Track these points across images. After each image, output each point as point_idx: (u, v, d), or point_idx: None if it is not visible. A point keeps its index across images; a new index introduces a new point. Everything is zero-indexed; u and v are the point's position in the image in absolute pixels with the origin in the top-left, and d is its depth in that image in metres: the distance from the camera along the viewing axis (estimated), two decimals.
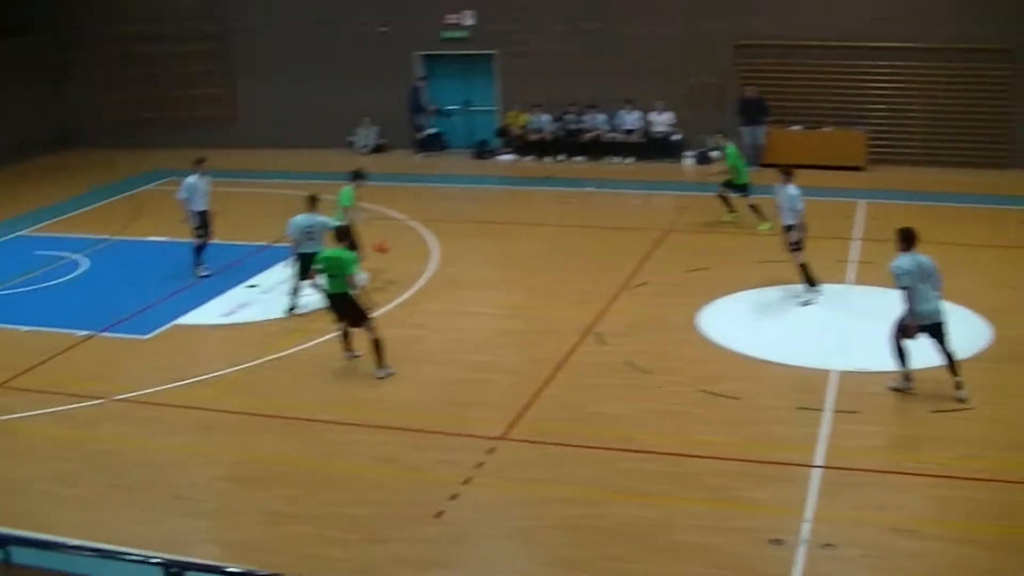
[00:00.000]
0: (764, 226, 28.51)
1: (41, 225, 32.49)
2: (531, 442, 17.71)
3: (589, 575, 14.07)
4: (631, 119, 37.87)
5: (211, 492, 16.75)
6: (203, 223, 26.77)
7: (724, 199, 29.86)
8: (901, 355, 18.85)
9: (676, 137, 37.60)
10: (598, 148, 38.13)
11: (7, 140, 41.93)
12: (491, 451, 17.38)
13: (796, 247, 23.75)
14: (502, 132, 39.94)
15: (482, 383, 20.11)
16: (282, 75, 41.78)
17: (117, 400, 19.89)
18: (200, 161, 27.21)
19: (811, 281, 23.63)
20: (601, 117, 38.10)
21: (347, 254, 20.36)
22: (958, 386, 18.54)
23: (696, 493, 15.97)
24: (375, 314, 20.88)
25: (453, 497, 16.04)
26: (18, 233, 31.69)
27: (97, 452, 18.07)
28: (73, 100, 44.34)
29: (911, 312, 18.32)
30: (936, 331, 18.50)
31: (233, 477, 17.16)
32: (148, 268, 27.30)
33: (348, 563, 14.44)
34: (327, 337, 22.14)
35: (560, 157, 38.43)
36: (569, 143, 38.48)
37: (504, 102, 40.05)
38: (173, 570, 7.98)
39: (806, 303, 23.41)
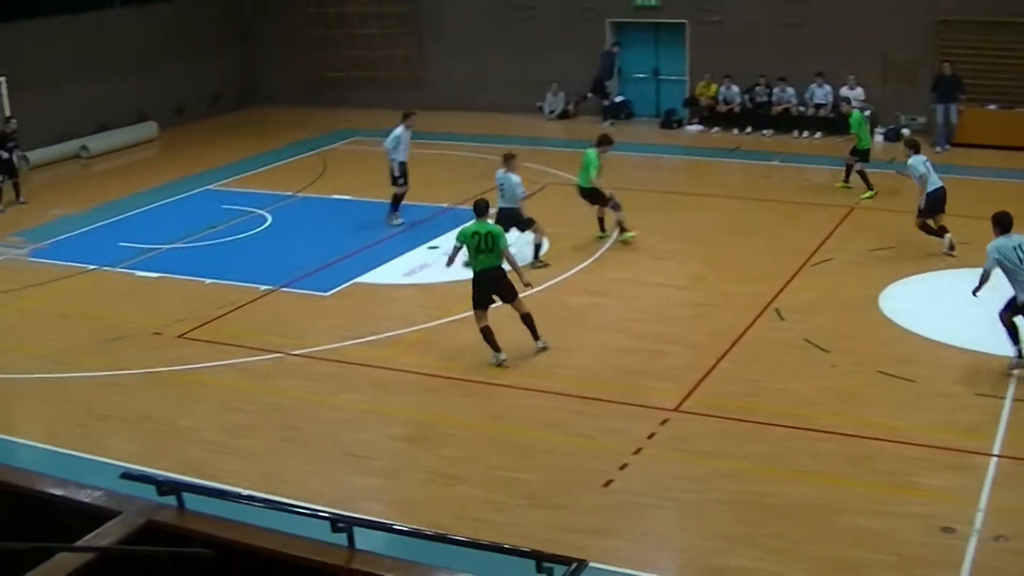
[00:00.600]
0: (868, 195, 29.25)
1: (228, 180, 33.09)
2: (704, 415, 17.59)
3: (753, 552, 13.93)
4: (821, 93, 37.29)
5: (382, 450, 16.91)
6: (403, 173, 27.53)
7: (850, 168, 29.83)
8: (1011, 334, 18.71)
9: (867, 113, 36.92)
10: (786, 122, 37.64)
11: (198, 96, 42.76)
12: (664, 422, 17.29)
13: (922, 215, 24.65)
14: (690, 102, 39.63)
15: (658, 354, 20.01)
16: (471, 39, 41.91)
17: (294, 355, 20.17)
18: (408, 115, 27.99)
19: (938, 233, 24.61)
20: (790, 90, 37.57)
21: (498, 228, 20.08)
22: None
23: (868, 476, 15.71)
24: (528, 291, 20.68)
25: (623, 467, 15.99)
26: (206, 187, 32.29)
27: (271, 405, 18.36)
28: (263, 58, 45.00)
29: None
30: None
31: (405, 436, 17.31)
32: (331, 226, 27.60)
33: (513, 528, 14.44)
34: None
35: (747, 130, 38.04)
36: (757, 116, 38.03)
37: (693, 72, 39.68)
38: (341, 525, 8.01)
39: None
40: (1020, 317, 18.58)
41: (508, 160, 24.72)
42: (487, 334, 19.54)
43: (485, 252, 19.55)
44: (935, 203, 24.72)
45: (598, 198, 25.78)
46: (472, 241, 19.63)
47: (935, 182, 24.86)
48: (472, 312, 19.71)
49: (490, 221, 20.21)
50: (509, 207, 24.47)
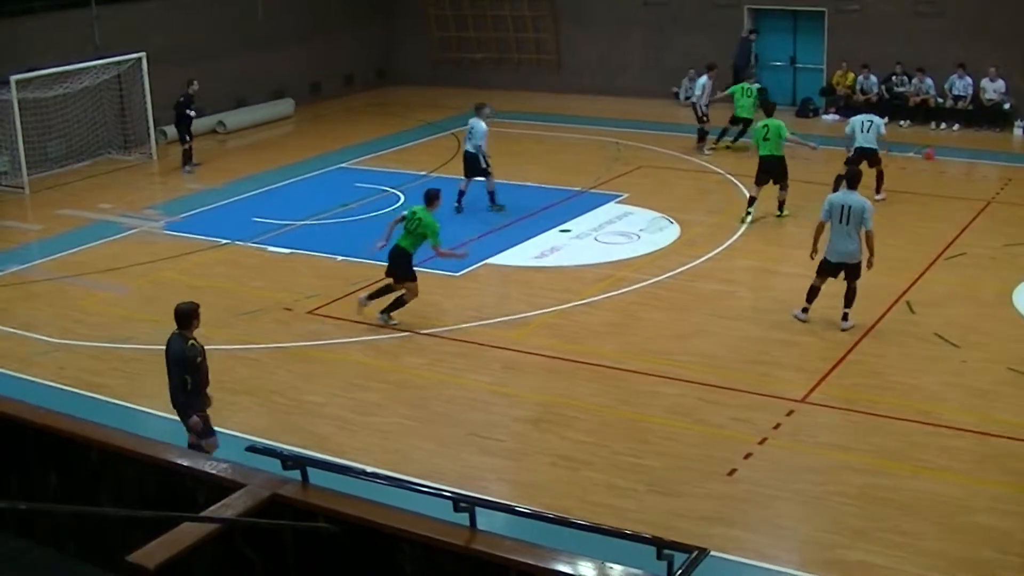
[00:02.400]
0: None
1: (362, 159, 33.35)
2: (831, 407, 17.51)
3: (874, 546, 13.86)
4: (961, 84, 36.77)
5: (507, 432, 17.00)
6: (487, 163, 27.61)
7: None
8: None
9: (1007, 105, 36.38)
10: (924, 113, 37.17)
11: (334, 74, 43.12)
12: (790, 413, 17.24)
13: None
14: (827, 91, 39.27)
15: (787, 344, 19.93)
16: (606, 23, 41.80)
17: (423, 334, 20.35)
18: (480, 106, 27.94)
19: None
20: (928, 81, 37.06)
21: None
22: None
23: (996, 475, 15.56)
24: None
25: (747, 456, 15.98)
26: (340, 165, 32.59)
27: (398, 383, 18.54)
28: (398, 38, 45.26)
29: None
30: None
31: (530, 418, 17.37)
32: (464, 206, 27.65)
33: (635, 513, 14.50)
34: (635, 287, 22.26)
35: (884, 120, 37.57)
36: (895, 106, 37.57)
37: (830, 61, 39.30)
38: (463, 505, 8.08)
39: None
40: None
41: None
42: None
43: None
44: None
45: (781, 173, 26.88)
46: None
47: None
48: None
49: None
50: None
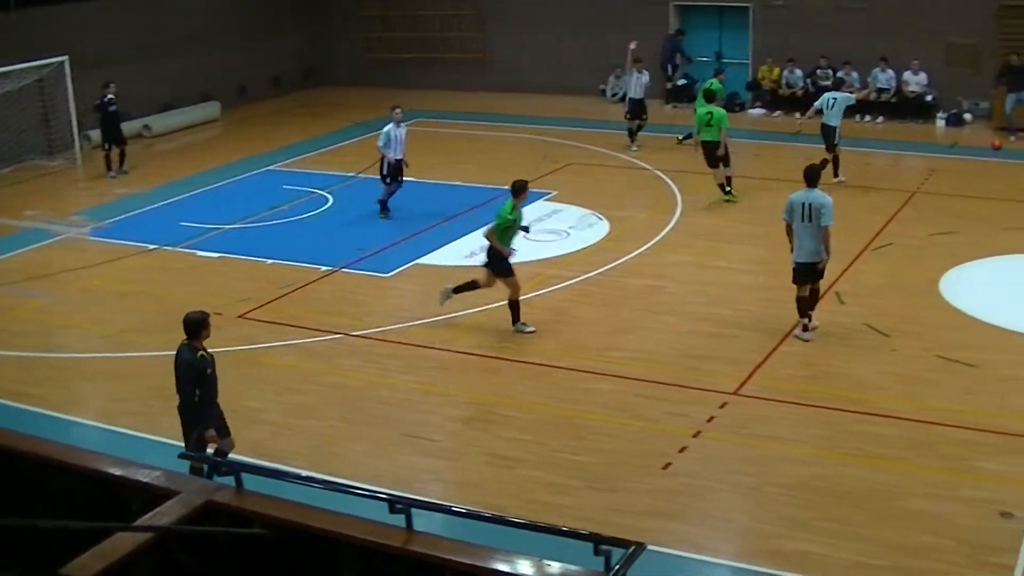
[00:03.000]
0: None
1: (290, 160, 33.20)
2: (764, 399, 17.62)
3: (811, 535, 13.94)
4: (884, 78, 37.04)
5: (442, 432, 17.01)
6: (392, 172, 27.06)
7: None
8: None
9: (930, 98, 36.71)
10: (849, 106, 37.38)
11: (261, 77, 42.90)
12: (723, 405, 17.31)
13: None
14: (753, 86, 39.48)
15: (719, 337, 20.01)
16: (533, 21, 41.84)
17: (355, 336, 20.29)
18: (395, 108, 27.36)
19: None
20: (854, 74, 37.30)
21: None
22: None
23: (928, 460, 15.72)
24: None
25: (682, 450, 16.05)
26: (269, 167, 32.42)
27: (332, 386, 18.48)
28: (325, 39, 45.05)
29: None
30: None
31: (465, 418, 17.39)
32: (392, 207, 27.58)
33: (573, 510, 14.52)
34: (566, 284, 22.30)
35: (809, 113, 37.82)
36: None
37: (756, 56, 39.53)
38: (399, 506, 8.05)
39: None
40: None
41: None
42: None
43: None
44: None
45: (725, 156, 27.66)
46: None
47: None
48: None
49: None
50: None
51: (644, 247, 24.48)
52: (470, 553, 7.58)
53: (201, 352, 14.37)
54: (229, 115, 39.86)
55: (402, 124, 27.06)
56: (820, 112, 29.27)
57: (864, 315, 20.59)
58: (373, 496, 8.72)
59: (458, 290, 20.47)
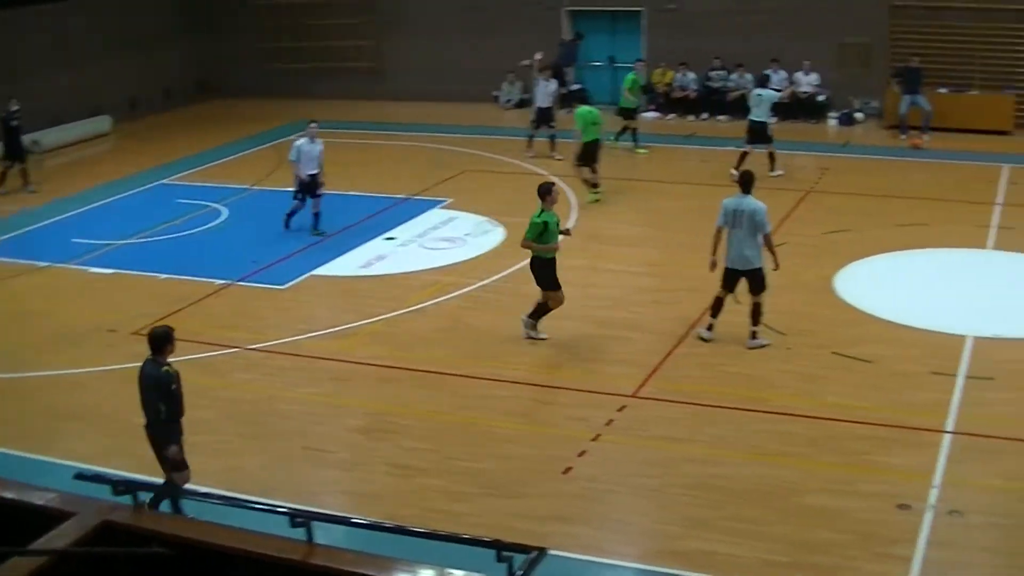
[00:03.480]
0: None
1: (184, 174, 32.88)
2: (663, 400, 17.68)
3: (713, 535, 14.01)
4: (776, 79, 37.37)
5: (341, 443, 16.90)
6: (303, 188, 26.30)
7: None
8: None
9: (821, 97, 37.11)
10: (743, 107, 37.69)
11: (153, 89, 42.48)
12: (622, 408, 17.35)
13: None
14: (647, 89, 39.66)
15: (616, 340, 20.07)
16: (428, 28, 41.80)
17: (252, 349, 20.13)
18: (310, 123, 26.71)
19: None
20: (748, 76, 37.59)
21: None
22: None
23: (827, 456, 15.87)
24: None
25: (581, 454, 16.05)
26: (161, 181, 32.09)
27: (230, 401, 18.30)
28: (218, 50, 44.69)
29: None
30: None
31: (364, 429, 17.29)
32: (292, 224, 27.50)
33: (474, 517, 14.47)
34: (462, 291, 22.28)
35: (703, 116, 38.13)
36: (713, 102, 38.11)
37: (650, 59, 39.70)
38: (299, 520, 7.99)
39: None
40: None
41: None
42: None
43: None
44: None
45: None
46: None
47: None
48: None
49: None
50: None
51: None
52: (372, 564, 7.53)
53: (166, 367, 14.17)
54: (120, 128, 39.40)
55: (317, 139, 26.27)
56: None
57: None
58: (273, 510, 8.66)
59: (534, 316, 20.06)
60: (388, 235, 26.06)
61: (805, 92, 37.08)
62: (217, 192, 30.33)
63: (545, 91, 32.73)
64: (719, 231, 19.65)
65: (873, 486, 15.02)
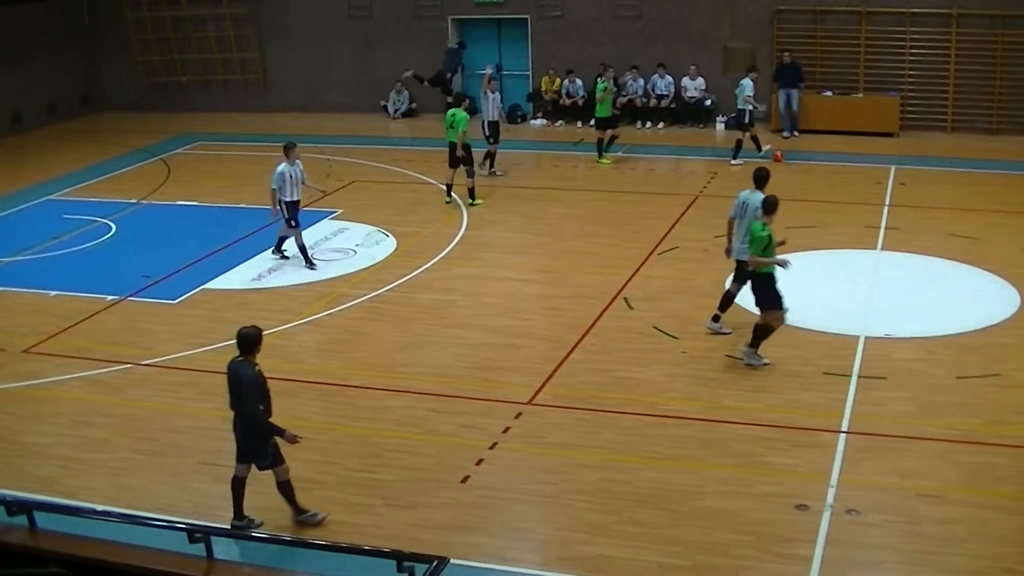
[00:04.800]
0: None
1: (70, 189, 32.45)
2: (558, 407, 17.72)
3: (613, 539, 14.07)
4: (663, 84, 37.68)
5: None
6: (293, 214, 24.70)
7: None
8: None
9: (709, 102, 37.44)
10: (630, 113, 37.96)
11: (38, 103, 41.94)
12: (518, 416, 17.38)
13: None
14: (534, 97, 39.80)
15: (510, 348, 20.11)
16: (313, 39, 41.63)
17: (145, 365, 19.93)
18: (290, 147, 24.84)
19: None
20: (640, 81, 37.81)
21: None
22: None
23: (723, 458, 15.99)
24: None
25: (479, 462, 16.06)
26: (48, 197, 31.65)
27: (124, 417, 18.09)
28: (102, 64, 44.25)
29: None
30: None
31: None
32: (177, 232, 27.30)
33: (373, 528, 14.45)
34: (355, 302, 22.24)
35: (591, 122, 38.26)
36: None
37: (536, 67, 39.87)
38: (198, 535, 7.96)
39: None
40: None
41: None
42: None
43: None
44: None
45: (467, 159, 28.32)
46: None
47: None
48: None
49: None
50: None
51: (432, 262, 24.51)
52: None
53: (257, 366, 14.45)
54: (3, 144, 38.83)
55: (297, 162, 24.67)
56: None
57: (652, 319, 20.90)
58: (171, 527, 8.64)
59: (756, 342, 19.16)
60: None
61: (692, 97, 37.42)
62: (105, 207, 29.98)
63: (493, 105, 32.10)
64: (731, 221, 20.05)
65: (770, 487, 15.17)
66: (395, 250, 25.32)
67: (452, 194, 28.65)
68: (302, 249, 24.66)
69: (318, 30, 41.55)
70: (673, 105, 37.59)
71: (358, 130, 38.13)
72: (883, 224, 25.98)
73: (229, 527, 14.37)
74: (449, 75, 38.85)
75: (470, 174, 28.37)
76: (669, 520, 14.46)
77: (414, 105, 40.75)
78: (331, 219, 27.89)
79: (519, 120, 39.33)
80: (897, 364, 18.88)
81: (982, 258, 23.27)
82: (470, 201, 28.16)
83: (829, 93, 36.14)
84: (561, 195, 29.79)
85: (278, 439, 14.42)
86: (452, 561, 8.61)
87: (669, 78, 37.50)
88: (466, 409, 17.81)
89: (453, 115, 28.66)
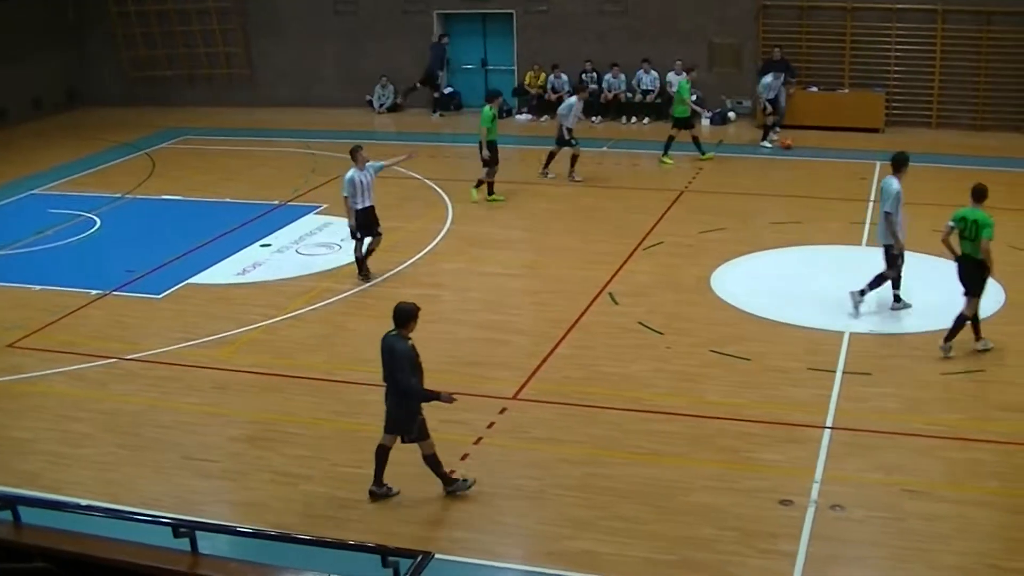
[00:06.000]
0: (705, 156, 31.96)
1: (55, 183, 32.39)
2: (543, 402, 17.73)
3: (597, 535, 14.08)
4: (648, 79, 37.70)
5: (223, 452, 16.74)
6: (361, 224, 23.21)
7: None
8: None
9: (694, 97, 37.41)
10: (615, 108, 38.00)
11: (23, 98, 41.85)
12: (503, 411, 17.39)
13: None
14: (519, 91, 39.80)
15: (495, 343, 20.11)
16: (299, 34, 41.57)
17: (129, 359, 19.90)
18: (356, 150, 23.39)
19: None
20: (622, 77, 37.84)
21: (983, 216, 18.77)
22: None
23: (707, 454, 16.01)
24: None
25: (464, 457, 16.06)
26: (32, 191, 31.60)
27: (108, 412, 18.06)
28: (89, 58, 44.18)
29: None
30: None
31: (245, 437, 17.15)
32: (162, 227, 27.28)
33: (359, 523, 14.46)
34: (340, 297, 22.22)
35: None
36: (586, 103, 38.22)
37: (521, 62, 39.89)
38: (183, 530, 7.95)
39: None
40: None
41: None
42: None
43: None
44: None
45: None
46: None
47: None
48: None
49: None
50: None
51: (417, 256, 24.51)
52: (257, 573, 7.53)
53: (411, 341, 14.79)
54: None
55: (367, 167, 23.22)
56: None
57: (638, 314, 20.90)
58: (156, 521, 8.61)
59: (953, 336, 19.06)
60: (264, 242, 25.90)
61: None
62: (90, 201, 29.93)
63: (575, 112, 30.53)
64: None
65: (755, 482, 15.19)
66: (377, 245, 25.28)
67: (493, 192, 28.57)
68: (359, 261, 23.34)
69: (304, 24, 41.49)
70: (659, 100, 37.60)
71: (343, 125, 38.03)
72: (868, 220, 26.00)
73: (370, 493, 14.96)
74: (437, 72, 38.98)
75: (491, 172, 28.32)
76: (654, 515, 14.47)
77: (399, 100, 40.70)
78: (316, 214, 27.88)
79: (504, 115, 39.27)
80: (882, 360, 18.92)
81: None
82: (479, 195, 28.42)
83: (815, 89, 36.18)
84: (547, 190, 29.78)
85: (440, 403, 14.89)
86: (437, 556, 8.62)
87: (654, 73, 37.52)
88: (452, 404, 17.78)
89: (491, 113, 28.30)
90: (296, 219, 27.31)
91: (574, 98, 29.99)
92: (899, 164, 20.24)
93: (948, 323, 18.87)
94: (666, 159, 31.92)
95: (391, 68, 40.23)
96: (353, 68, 41.02)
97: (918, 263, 22.23)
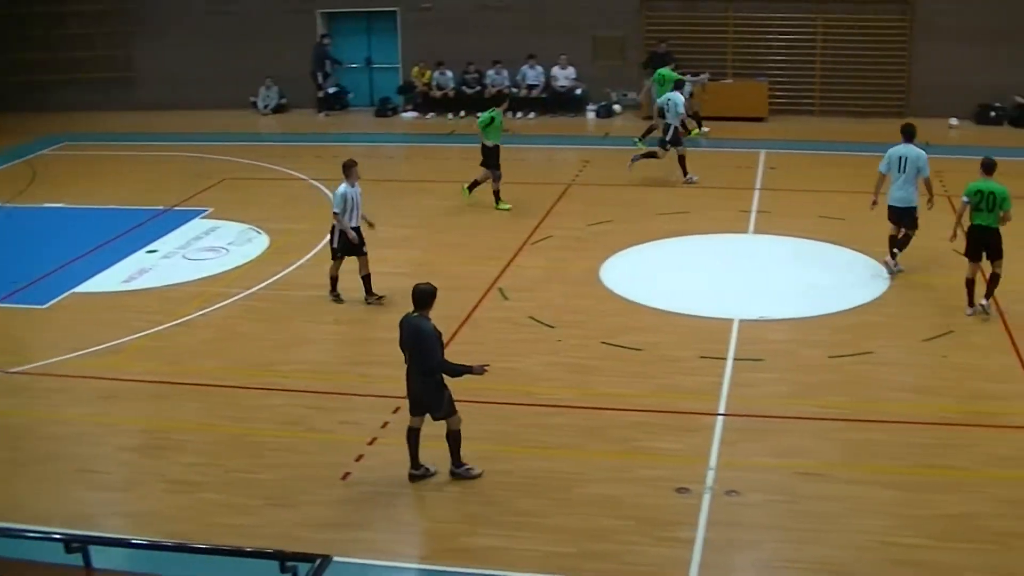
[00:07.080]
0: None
1: None
2: None
3: (498, 530, 14.08)
4: (533, 75, 37.82)
5: (115, 463, 16.53)
6: (346, 246, 21.94)
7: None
8: None
9: (579, 91, 37.62)
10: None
11: None
12: (396, 410, 17.27)
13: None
14: (405, 89, 39.74)
15: (386, 342, 19.88)
16: (180, 36, 41.05)
17: (14, 372, 19.56)
18: (350, 165, 21.73)
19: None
20: (505, 73, 37.94)
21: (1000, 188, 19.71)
22: None
23: (601, 445, 16.09)
24: None
25: (359, 458, 16.00)
26: None
27: None
28: None
29: None
30: None
31: (137, 446, 16.95)
32: (44, 235, 26.88)
33: (255, 529, 14.32)
34: (229, 301, 22.06)
35: (462, 114, 38.29)
36: (471, 100, 38.32)
37: (406, 59, 39.83)
38: (75, 545, 7.83)
39: None
40: None
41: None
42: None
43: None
44: None
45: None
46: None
47: None
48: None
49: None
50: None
51: (305, 258, 24.35)
52: None
53: (431, 322, 15.28)
54: None
55: (356, 184, 21.73)
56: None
57: (528, 309, 20.94)
58: (47, 538, 8.49)
59: (991, 295, 20.14)
60: (150, 248, 25.57)
61: (563, 86, 37.57)
62: None
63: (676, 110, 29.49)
64: (881, 176, 22.04)
65: (650, 472, 15.28)
66: (268, 247, 25.14)
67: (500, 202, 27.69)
68: (333, 279, 22.20)
69: (184, 26, 40.97)
70: (544, 95, 37.73)
71: (226, 127, 37.75)
72: (754, 208, 26.27)
73: (409, 476, 14.43)
74: (319, 72, 38.79)
75: (495, 178, 27.67)
76: (552, 508, 14.50)
77: (284, 100, 40.46)
78: (202, 218, 27.61)
79: (390, 113, 39.26)
80: (772, 345, 19.12)
81: (852, 239, 23.59)
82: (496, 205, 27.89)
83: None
84: (433, 187, 29.75)
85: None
86: (335, 559, 8.56)
87: (539, 68, 37.65)
88: (344, 405, 17.72)
89: (492, 118, 27.60)
90: (182, 224, 27.04)
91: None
92: (911, 132, 22.16)
93: (835, 307, 19.13)
94: (697, 130, 33.50)
95: (275, 69, 39.94)
96: (235, 70, 40.60)
97: (807, 248, 22.46)
